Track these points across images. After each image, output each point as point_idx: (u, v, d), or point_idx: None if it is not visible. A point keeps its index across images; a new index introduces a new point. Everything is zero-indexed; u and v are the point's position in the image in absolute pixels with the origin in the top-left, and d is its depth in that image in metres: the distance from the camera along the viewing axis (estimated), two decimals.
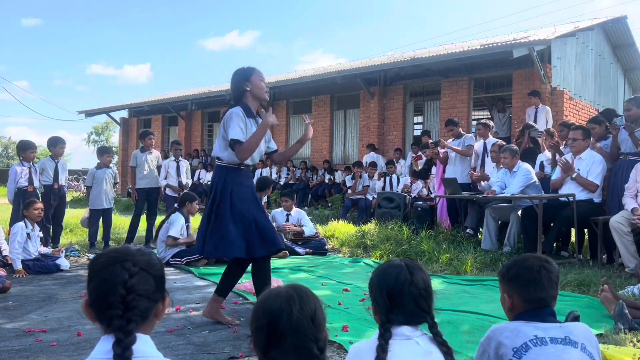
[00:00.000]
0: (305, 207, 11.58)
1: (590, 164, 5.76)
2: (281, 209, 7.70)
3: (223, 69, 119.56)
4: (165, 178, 8.08)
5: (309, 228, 7.52)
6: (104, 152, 7.55)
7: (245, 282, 5.14)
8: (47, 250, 6.05)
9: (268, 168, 14.54)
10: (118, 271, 1.28)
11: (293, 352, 1.32)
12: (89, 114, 21.07)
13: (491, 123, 8.16)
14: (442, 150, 8.12)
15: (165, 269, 5.16)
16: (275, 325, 1.33)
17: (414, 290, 1.65)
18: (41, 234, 6.08)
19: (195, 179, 15.46)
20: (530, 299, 1.74)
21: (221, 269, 5.75)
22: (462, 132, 8.00)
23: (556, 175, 6.15)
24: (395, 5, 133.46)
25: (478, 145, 7.80)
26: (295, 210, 7.65)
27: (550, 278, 1.75)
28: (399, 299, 1.64)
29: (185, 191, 7.62)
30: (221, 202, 3.55)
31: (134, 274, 1.29)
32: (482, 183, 7.10)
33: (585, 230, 6.21)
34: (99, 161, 7.50)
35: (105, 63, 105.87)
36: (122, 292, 1.26)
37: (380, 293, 1.67)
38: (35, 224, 5.83)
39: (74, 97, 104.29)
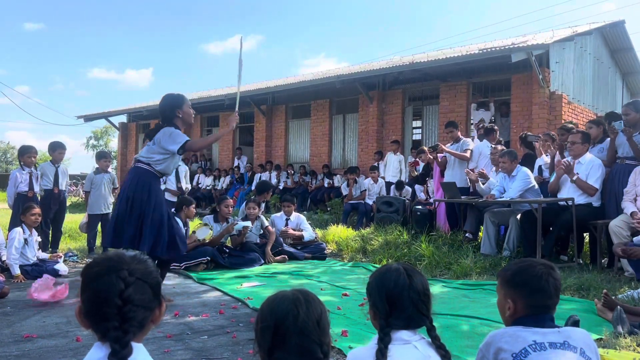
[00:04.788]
0: (305, 212, 11.58)
1: (590, 168, 5.76)
2: (280, 213, 7.70)
3: (225, 73, 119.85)
4: (164, 183, 8.05)
5: (309, 232, 7.52)
6: (101, 156, 7.58)
7: (245, 284, 5.15)
8: (45, 255, 6.04)
9: (267, 172, 14.55)
10: (114, 281, 1.24)
11: (297, 354, 1.33)
12: (88, 118, 21.02)
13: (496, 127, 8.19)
14: (441, 155, 8.12)
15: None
16: (281, 326, 1.34)
17: (413, 294, 1.65)
18: (39, 239, 6.07)
19: (195, 183, 15.45)
20: (535, 306, 1.74)
21: (220, 274, 5.78)
22: (460, 136, 8.01)
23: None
24: (396, 10, 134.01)
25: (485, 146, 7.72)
26: (294, 215, 7.65)
27: (556, 285, 1.76)
28: (399, 303, 1.64)
29: (181, 195, 7.60)
30: (150, 208, 4.12)
31: (130, 283, 1.25)
32: (482, 184, 7.08)
33: (586, 234, 6.21)
34: (97, 166, 7.51)
35: (107, 67, 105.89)
36: (118, 303, 1.22)
37: (379, 297, 1.66)
38: (34, 229, 5.82)
39: (75, 102, 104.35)
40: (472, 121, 11.69)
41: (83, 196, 13.16)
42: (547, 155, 6.84)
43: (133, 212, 4.09)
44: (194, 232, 6.51)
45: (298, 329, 1.33)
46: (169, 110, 4.25)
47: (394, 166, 11.32)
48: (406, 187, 10.14)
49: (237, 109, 4.76)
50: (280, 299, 1.39)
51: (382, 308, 1.65)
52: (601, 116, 6.45)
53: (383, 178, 11.12)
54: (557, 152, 6.49)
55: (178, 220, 6.35)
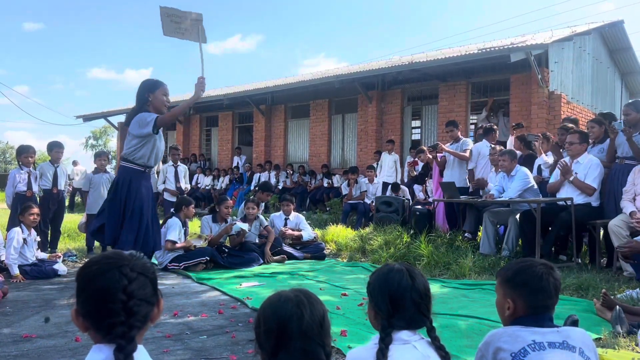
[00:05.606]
0: (304, 212, 11.59)
1: (588, 168, 5.77)
2: (280, 212, 7.69)
3: (224, 73, 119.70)
4: (164, 183, 8.07)
5: (308, 232, 7.52)
6: (96, 156, 7.60)
7: (244, 284, 5.15)
8: (44, 255, 6.03)
9: (267, 172, 14.55)
10: (117, 277, 1.24)
11: (301, 356, 1.32)
12: (87, 118, 21.01)
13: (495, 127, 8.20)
14: (441, 155, 8.12)
15: (164, 274, 5.24)
16: (285, 328, 1.33)
17: (415, 295, 1.65)
18: (39, 239, 6.06)
19: (194, 183, 15.45)
20: (536, 306, 1.74)
21: (219, 274, 5.78)
22: (460, 136, 8.01)
23: (554, 178, 6.15)
24: (395, 10, 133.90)
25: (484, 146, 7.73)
26: (293, 215, 7.65)
27: (556, 285, 1.76)
28: (401, 304, 1.64)
29: (181, 195, 7.60)
30: (131, 203, 4.14)
31: (133, 279, 1.26)
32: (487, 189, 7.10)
33: (585, 234, 6.21)
34: (95, 165, 7.53)
35: (107, 67, 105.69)
36: (123, 298, 1.23)
37: (382, 298, 1.65)
38: (33, 229, 5.81)
39: (74, 102, 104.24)
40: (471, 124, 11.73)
41: (70, 192, 13.09)
42: (547, 155, 6.85)
43: (113, 209, 4.15)
44: (191, 236, 6.52)
45: (302, 332, 1.32)
46: (141, 94, 4.19)
47: (388, 166, 11.33)
48: (402, 187, 10.13)
49: (202, 73, 4.51)
50: (283, 301, 1.38)
51: (385, 308, 1.64)
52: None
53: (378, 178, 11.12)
54: (552, 152, 6.49)
55: (178, 220, 6.36)
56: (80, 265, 6.55)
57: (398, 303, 1.64)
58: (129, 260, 1.29)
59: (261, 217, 7.18)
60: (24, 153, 6.74)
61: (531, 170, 6.76)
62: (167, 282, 5.37)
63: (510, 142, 8.55)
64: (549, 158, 6.77)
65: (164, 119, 4.14)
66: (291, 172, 14.27)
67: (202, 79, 4.35)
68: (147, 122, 4.06)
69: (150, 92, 4.17)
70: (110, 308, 1.22)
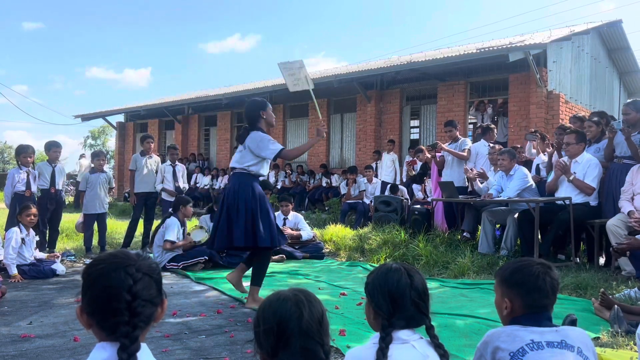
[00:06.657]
0: (302, 211, 11.58)
1: (587, 167, 5.77)
2: (278, 212, 7.69)
3: (223, 73, 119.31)
4: (162, 182, 8.04)
5: (306, 232, 7.52)
6: (94, 156, 7.59)
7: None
8: (42, 255, 6.02)
9: None
10: (122, 277, 1.24)
11: (301, 355, 1.33)
12: (85, 118, 20.96)
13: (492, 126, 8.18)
14: (439, 154, 8.12)
15: (162, 273, 5.24)
16: (285, 328, 1.33)
17: (414, 294, 1.65)
18: (37, 239, 6.05)
19: (192, 183, 15.43)
20: (533, 305, 1.74)
21: (218, 274, 5.78)
22: (459, 136, 8.01)
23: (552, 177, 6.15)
24: (395, 10, 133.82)
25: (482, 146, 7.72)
26: (292, 214, 7.65)
27: (553, 285, 1.76)
28: (401, 303, 1.64)
29: (179, 195, 7.58)
30: (257, 203, 4.31)
31: (138, 279, 1.26)
32: (479, 184, 7.09)
33: (585, 233, 6.22)
34: (93, 165, 7.51)
35: (106, 67, 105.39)
36: (127, 298, 1.23)
37: (382, 298, 1.66)
38: (32, 229, 5.81)
39: (73, 101, 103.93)
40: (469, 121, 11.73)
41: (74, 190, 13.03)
42: (544, 155, 6.85)
43: (239, 211, 4.28)
44: (189, 233, 6.51)
45: (302, 331, 1.33)
46: (254, 112, 4.52)
47: (387, 165, 11.37)
48: (401, 188, 10.13)
49: (320, 116, 5.03)
50: (282, 300, 1.38)
51: (385, 308, 1.64)
52: None
53: (378, 178, 11.12)
54: (556, 152, 6.50)
55: (176, 219, 6.35)
56: (79, 265, 6.56)
57: (398, 302, 1.64)
58: (135, 261, 1.30)
59: None
60: (23, 153, 6.73)
61: (529, 170, 6.76)
62: (166, 282, 5.37)
63: (529, 148, 8.32)
64: (547, 157, 6.77)
65: (287, 154, 4.56)
66: (290, 171, 14.27)
67: (323, 122, 4.77)
68: (269, 150, 4.35)
69: (262, 109, 4.51)
70: (115, 307, 1.23)
